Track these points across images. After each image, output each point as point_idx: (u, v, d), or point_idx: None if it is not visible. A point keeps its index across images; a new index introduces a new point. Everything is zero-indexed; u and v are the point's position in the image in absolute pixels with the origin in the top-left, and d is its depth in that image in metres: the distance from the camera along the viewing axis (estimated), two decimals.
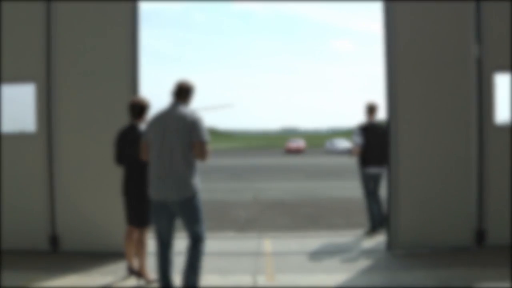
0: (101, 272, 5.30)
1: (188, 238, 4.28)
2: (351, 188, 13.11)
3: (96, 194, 5.96)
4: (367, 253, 6.06)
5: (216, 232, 7.60)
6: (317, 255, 5.99)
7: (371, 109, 7.10)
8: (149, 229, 4.98)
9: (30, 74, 5.99)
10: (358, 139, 7.03)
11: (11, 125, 6.11)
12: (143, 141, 4.41)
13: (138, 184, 4.86)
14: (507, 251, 5.63)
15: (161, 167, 4.17)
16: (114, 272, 5.29)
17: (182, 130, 4.15)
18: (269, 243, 6.58)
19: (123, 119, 5.30)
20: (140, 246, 4.94)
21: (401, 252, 5.93)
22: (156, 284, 4.80)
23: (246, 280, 5.02)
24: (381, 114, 6.79)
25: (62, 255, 5.97)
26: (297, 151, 49.86)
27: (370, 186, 7.08)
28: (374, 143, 6.91)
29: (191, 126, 4.16)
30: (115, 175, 5.33)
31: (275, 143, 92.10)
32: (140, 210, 4.90)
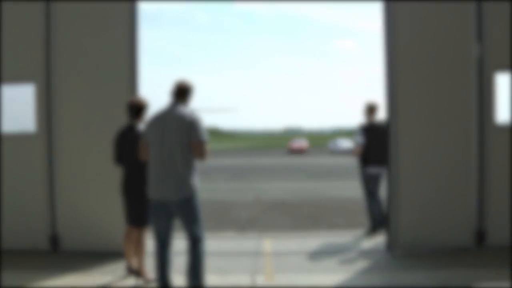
0: (101, 272, 5.32)
1: (187, 238, 4.29)
2: (353, 188, 13.09)
3: (96, 194, 5.97)
4: (366, 253, 6.05)
5: (217, 232, 7.60)
6: (316, 255, 5.99)
7: (370, 109, 7.09)
8: (147, 229, 4.99)
9: (30, 74, 6.00)
10: (360, 139, 7.02)
11: (11, 125, 6.12)
12: (142, 141, 4.41)
13: (137, 184, 4.87)
14: (507, 252, 5.61)
15: (160, 167, 4.18)
16: (113, 272, 5.30)
17: (181, 130, 4.16)
18: (269, 243, 6.58)
19: (123, 119, 5.31)
20: (139, 246, 4.96)
21: (401, 252, 5.91)
22: (154, 284, 4.80)
23: (245, 280, 5.02)
24: (381, 114, 6.78)
25: (62, 254, 5.99)
26: (300, 151, 49.88)
27: (370, 186, 7.07)
28: (374, 143, 6.90)
29: (190, 126, 4.16)
30: (115, 175, 5.34)
31: (278, 143, 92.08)
32: (139, 210, 4.90)
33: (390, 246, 6.00)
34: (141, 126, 4.94)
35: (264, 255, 5.98)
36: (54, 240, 6.07)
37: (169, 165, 4.15)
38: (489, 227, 5.91)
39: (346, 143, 46.85)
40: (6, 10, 5.99)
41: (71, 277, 5.12)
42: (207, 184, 16.11)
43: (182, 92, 4.40)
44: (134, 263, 5.04)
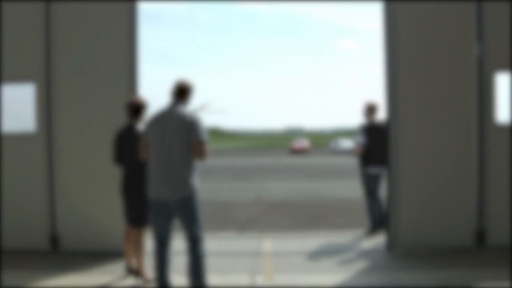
0: (100, 272, 5.32)
1: (186, 239, 4.29)
2: (353, 188, 13.08)
3: (96, 193, 5.97)
4: (366, 253, 6.04)
5: (217, 232, 7.60)
6: (316, 255, 5.98)
7: (370, 109, 7.08)
8: (147, 229, 4.99)
9: (30, 74, 6.01)
10: (360, 139, 7.02)
11: (11, 124, 6.13)
12: (142, 141, 4.41)
13: (137, 183, 4.87)
14: (507, 252, 5.60)
15: (161, 166, 4.18)
16: (113, 272, 5.30)
17: (181, 130, 4.16)
18: (268, 243, 6.57)
19: (123, 119, 5.32)
20: (138, 246, 4.96)
21: (401, 252, 5.91)
22: (153, 284, 4.80)
23: (244, 279, 5.02)
24: (381, 114, 6.77)
25: (62, 254, 5.99)
26: (301, 151, 49.89)
27: (370, 185, 7.06)
28: (375, 143, 6.89)
29: (190, 126, 4.16)
30: (115, 174, 5.34)
31: (279, 143, 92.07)
32: (139, 209, 4.91)
33: (390, 246, 5.99)
34: (141, 126, 4.95)
35: (264, 255, 5.98)
36: (54, 240, 6.07)
37: (169, 164, 4.15)
38: (489, 227, 5.90)
39: (347, 143, 46.84)
40: (6, 10, 6.00)
41: (71, 277, 5.12)
42: (208, 184, 16.13)
43: (182, 92, 4.40)
44: (134, 263, 5.05)
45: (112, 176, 5.51)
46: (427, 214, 5.90)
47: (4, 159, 6.06)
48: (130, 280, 5.02)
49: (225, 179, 19.27)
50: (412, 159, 5.89)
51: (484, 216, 5.91)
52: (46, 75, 5.98)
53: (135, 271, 4.99)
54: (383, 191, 6.61)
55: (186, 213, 4.22)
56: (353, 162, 22.43)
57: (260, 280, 5.02)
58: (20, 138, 6.13)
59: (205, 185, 15.55)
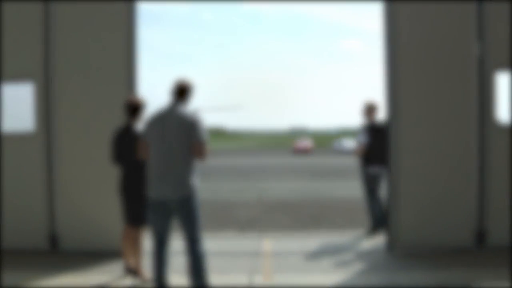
0: (99, 271, 5.32)
1: (185, 239, 4.27)
2: (355, 188, 13.06)
3: (95, 193, 5.97)
4: (366, 253, 6.02)
5: (217, 231, 7.60)
6: (316, 255, 5.96)
7: (370, 109, 7.06)
8: (145, 228, 4.99)
9: (28, 72, 6.02)
10: (362, 138, 7.00)
11: (10, 124, 6.14)
12: (142, 140, 4.39)
13: (135, 183, 4.87)
14: (507, 252, 5.57)
15: (161, 166, 4.17)
16: (111, 271, 5.30)
17: (181, 130, 4.15)
18: (268, 243, 6.56)
19: (122, 119, 5.33)
20: (136, 245, 4.95)
21: (401, 252, 5.89)
22: (151, 283, 4.80)
23: (243, 279, 5.02)
24: (381, 114, 6.75)
25: (61, 254, 5.99)
26: (304, 151, 49.90)
27: (371, 185, 7.04)
28: (376, 142, 6.87)
29: (191, 127, 4.15)
30: (114, 174, 5.34)
31: (283, 143, 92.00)
32: (137, 209, 4.90)
33: (390, 246, 5.97)
34: (139, 125, 4.94)
35: (264, 255, 5.97)
36: (53, 239, 6.08)
37: (169, 164, 4.14)
38: (489, 227, 5.87)
39: (350, 143, 46.81)
40: (5, 10, 6.01)
41: (70, 277, 5.13)
42: (210, 184, 16.14)
43: (182, 91, 4.38)
44: (132, 262, 5.04)
45: (111, 175, 5.51)
46: (427, 214, 5.88)
47: (3, 159, 6.07)
48: (129, 280, 5.02)
49: (227, 179, 19.27)
50: (412, 159, 5.87)
51: (484, 216, 5.88)
52: (45, 74, 5.99)
53: (133, 271, 4.99)
54: (383, 191, 6.59)
55: (185, 212, 4.21)
56: (355, 162, 22.45)
57: (258, 280, 5.01)
58: (19, 138, 6.14)
59: (207, 185, 15.61)
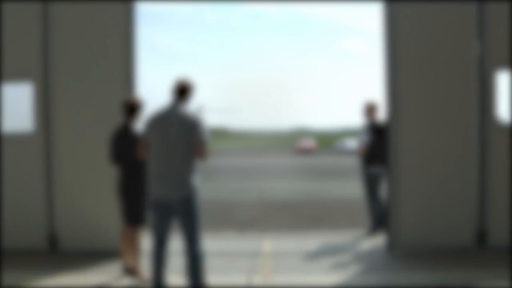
0: (98, 271, 5.32)
1: (184, 239, 4.26)
2: (355, 188, 13.05)
3: (94, 193, 5.96)
4: (366, 253, 6.01)
5: (218, 232, 7.59)
6: (316, 255, 5.95)
7: (370, 109, 7.04)
8: (143, 228, 4.98)
9: (28, 73, 6.02)
10: (364, 138, 6.98)
11: (9, 124, 6.14)
12: (143, 140, 4.38)
13: (133, 183, 4.87)
14: (507, 252, 5.56)
15: (162, 166, 4.16)
16: (110, 271, 5.30)
17: (182, 130, 4.14)
18: (268, 243, 6.55)
19: (121, 118, 5.32)
20: (134, 245, 4.95)
21: (401, 252, 5.87)
22: (149, 284, 4.79)
23: (242, 279, 5.01)
24: (381, 114, 6.73)
25: (60, 254, 5.99)
26: (307, 151, 49.88)
27: (372, 185, 7.03)
28: (378, 142, 6.86)
29: (192, 127, 4.14)
30: (113, 174, 5.34)
31: (286, 143, 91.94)
32: (135, 209, 4.90)
33: (390, 246, 5.95)
34: (137, 125, 4.94)
35: (263, 255, 5.95)
36: (53, 239, 6.08)
37: (170, 164, 4.14)
38: (489, 227, 5.85)
39: (352, 143, 46.78)
40: (5, 10, 6.01)
41: (69, 277, 5.13)
42: (212, 184, 16.15)
43: (183, 91, 4.36)
44: (131, 262, 5.04)
45: (110, 175, 5.52)
46: (427, 214, 5.86)
47: (3, 158, 6.07)
48: (127, 280, 5.01)
49: (229, 179, 19.26)
50: (413, 158, 5.85)
51: (484, 216, 5.86)
52: (44, 74, 5.99)
53: (132, 271, 4.98)
54: (383, 191, 6.57)
55: (186, 213, 4.20)
56: (356, 162, 22.47)
57: (257, 280, 5.00)
58: (18, 137, 6.14)
59: (209, 184, 15.62)
